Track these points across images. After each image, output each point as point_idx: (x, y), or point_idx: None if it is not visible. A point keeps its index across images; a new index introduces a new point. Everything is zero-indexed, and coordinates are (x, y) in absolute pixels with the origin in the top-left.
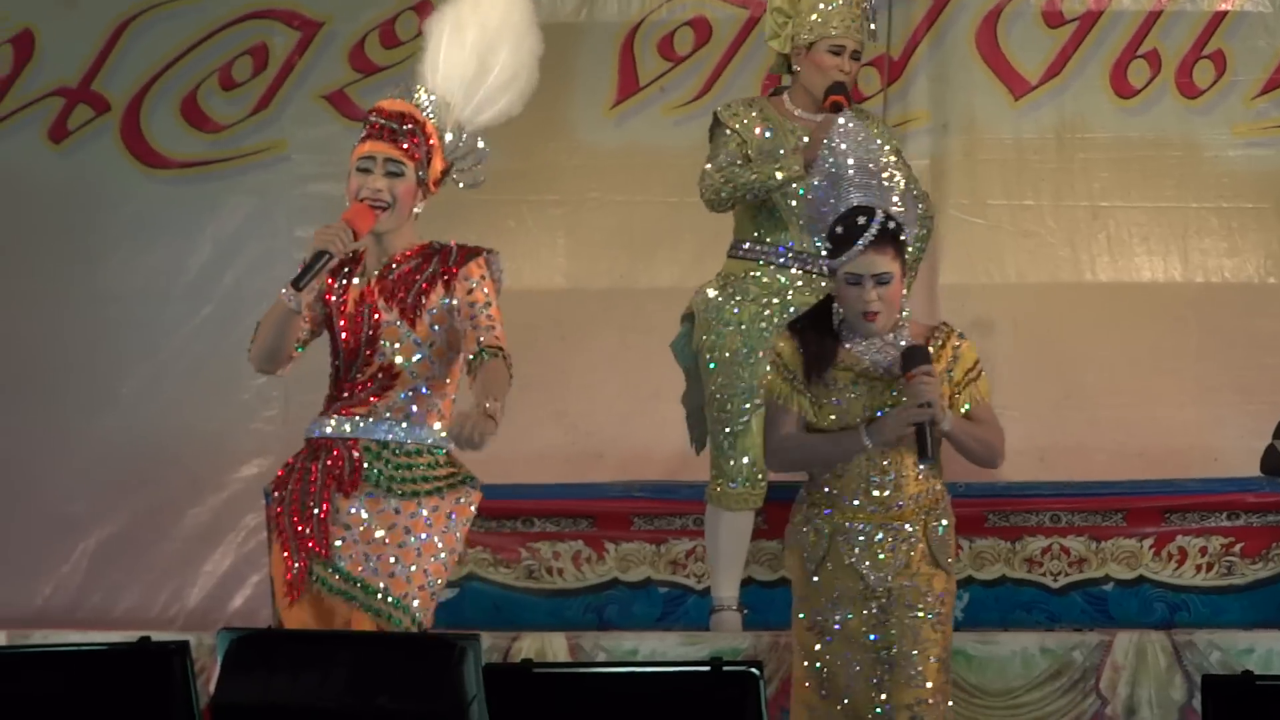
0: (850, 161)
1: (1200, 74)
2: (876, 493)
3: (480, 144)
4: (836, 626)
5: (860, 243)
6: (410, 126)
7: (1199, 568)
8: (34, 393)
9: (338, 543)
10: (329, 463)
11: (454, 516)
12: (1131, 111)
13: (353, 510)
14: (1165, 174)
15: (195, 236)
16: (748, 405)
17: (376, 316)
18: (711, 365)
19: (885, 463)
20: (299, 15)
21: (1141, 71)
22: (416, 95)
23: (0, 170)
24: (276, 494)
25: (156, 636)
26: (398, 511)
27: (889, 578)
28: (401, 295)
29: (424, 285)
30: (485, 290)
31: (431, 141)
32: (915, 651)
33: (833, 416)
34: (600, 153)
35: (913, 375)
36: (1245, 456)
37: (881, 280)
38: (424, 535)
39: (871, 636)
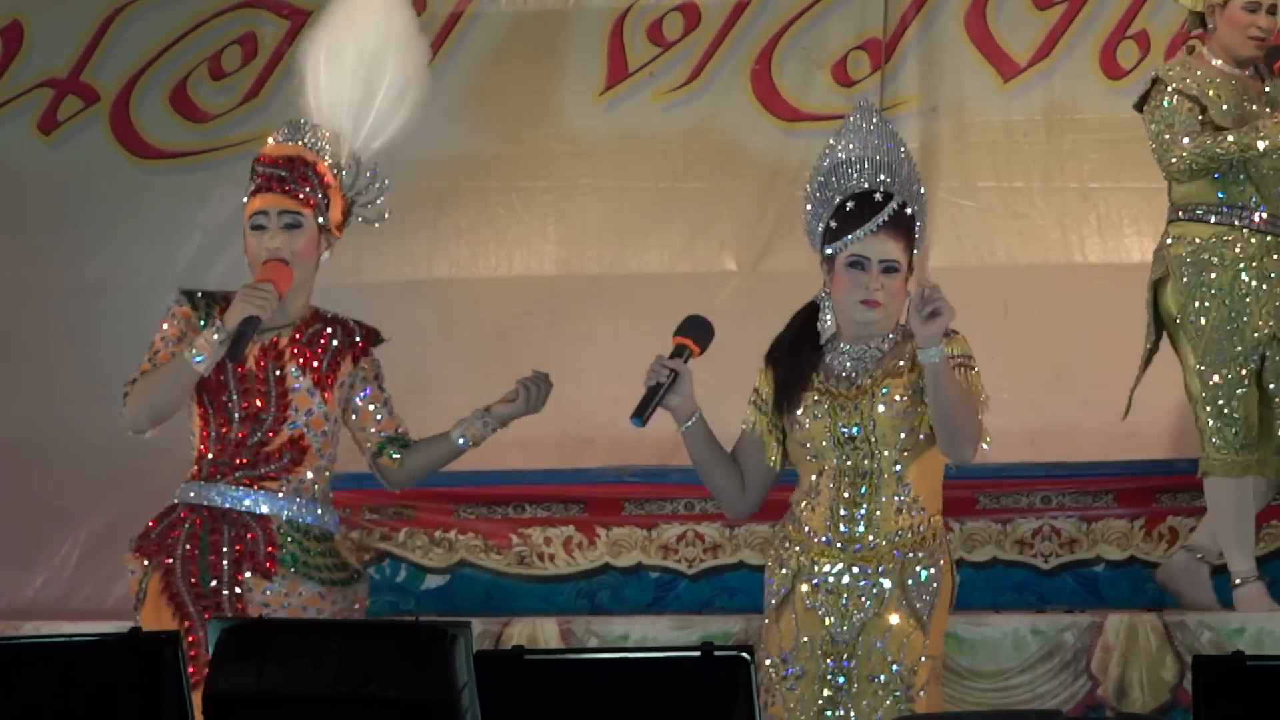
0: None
1: None
2: (845, 528)
3: (379, 176)
4: (790, 686)
5: (873, 223)
6: (302, 170)
7: None
8: (23, 384)
9: None
10: (234, 535)
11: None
12: (1121, 93)
13: (268, 592)
14: None
15: (184, 227)
16: (1235, 373)
17: (288, 381)
18: (1196, 334)
19: (860, 492)
20: (287, 4)
21: (1131, 52)
22: (303, 133)
23: None
24: (147, 554)
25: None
26: (319, 596)
27: (856, 628)
28: (316, 364)
29: (335, 356)
30: (385, 385)
31: (327, 181)
32: None
33: (806, 445)
34: (590, 139)
35: (675, 339)
36: None
37: (890, 268)
38: (341, 612)
39: (821, 699)
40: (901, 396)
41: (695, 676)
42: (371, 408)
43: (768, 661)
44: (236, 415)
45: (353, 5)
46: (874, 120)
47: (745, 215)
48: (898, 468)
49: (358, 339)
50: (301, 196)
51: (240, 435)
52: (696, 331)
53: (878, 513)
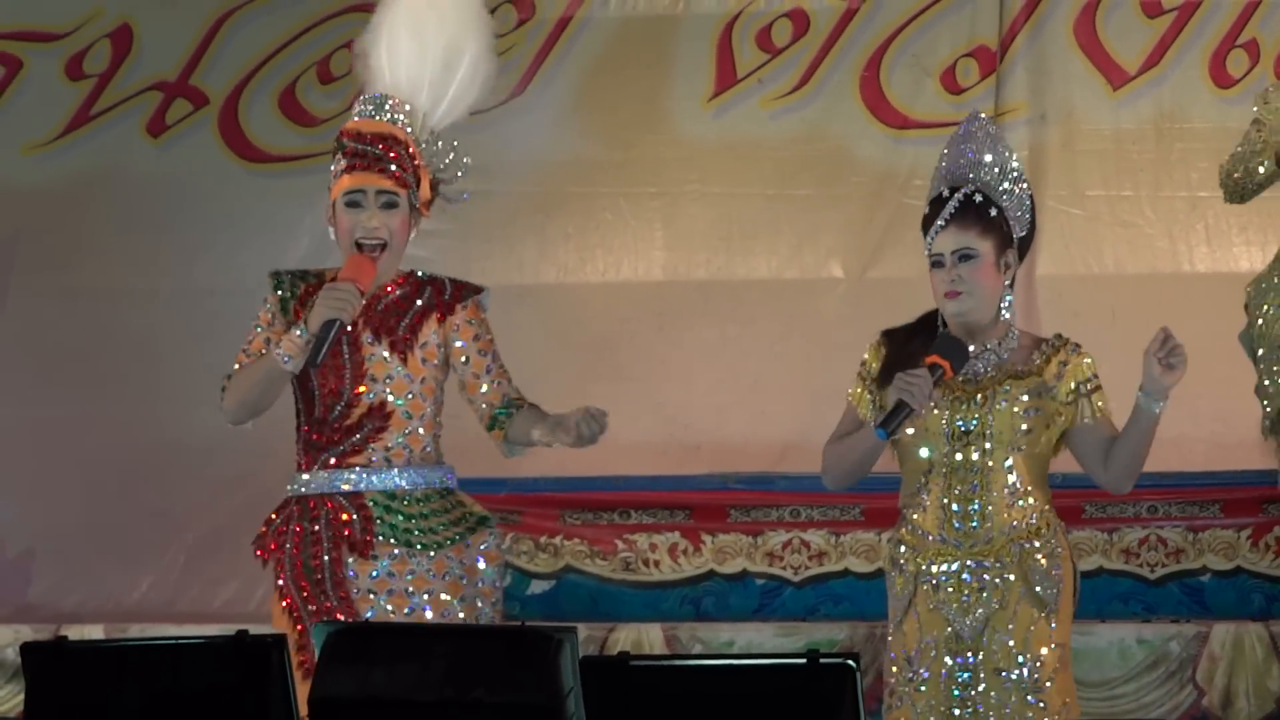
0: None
1: None
2: (959, 524)
3: (459, 153)
4: (919, 688)
5: (940, 220)
6: (395, 148)
7: None
8: (131, 387)
9: (369, 613)
10: (333, 521)
11: (482, 564)
12: (1230, 101)
13: (375, 575)
14: None
15: (292, 230)
16: None
17: (363, 351)
18: (1259, 351)
19: (971, 488)
20: None
21: (1240, 61)
22: (389, 110)
23: (99, 164)
24: (263, 554)
25: (254, 630)
26: (424, 567)
27: (981, 623)
28: (392, 327)
29: (416, 318)
30: (489, 337)
31: (417, 160)
32: None
33: (910, 431)
34: (698, 145)
35: (929, 359)
36: None
37: (965, 256)
38: (451, 584)
39: (950, 699)
40: (1024, 397)
41: (801, 684)
42: (475, 377)
43: (894, 666)
44: (318, 395)
45: None
46: (966, 128)
47: (853, 222)
48: (1008, 462)
49: (446, 296)
50: (397, 176)
51: (323, 414)
52: (953, 353)
53: (990, 506)
